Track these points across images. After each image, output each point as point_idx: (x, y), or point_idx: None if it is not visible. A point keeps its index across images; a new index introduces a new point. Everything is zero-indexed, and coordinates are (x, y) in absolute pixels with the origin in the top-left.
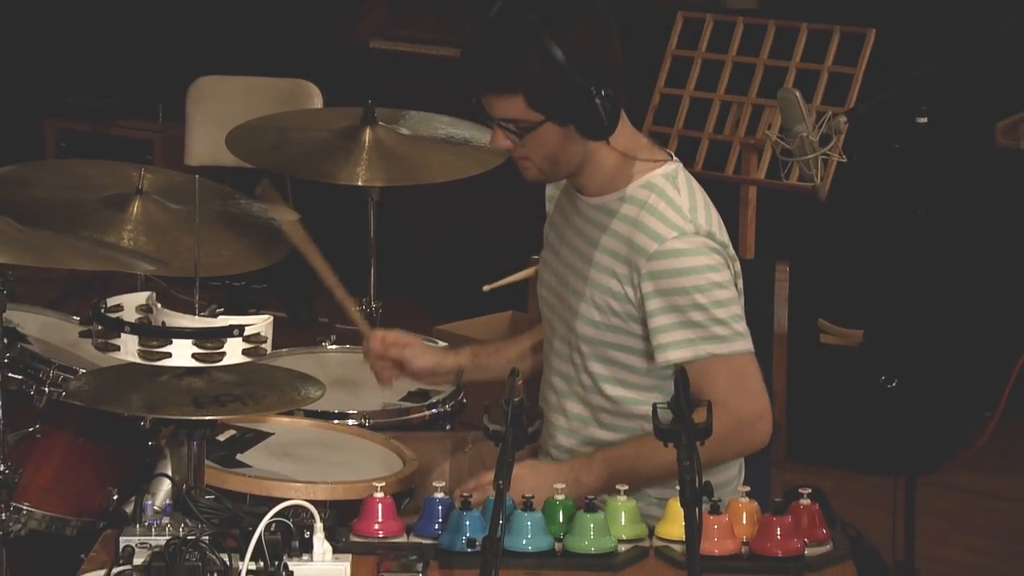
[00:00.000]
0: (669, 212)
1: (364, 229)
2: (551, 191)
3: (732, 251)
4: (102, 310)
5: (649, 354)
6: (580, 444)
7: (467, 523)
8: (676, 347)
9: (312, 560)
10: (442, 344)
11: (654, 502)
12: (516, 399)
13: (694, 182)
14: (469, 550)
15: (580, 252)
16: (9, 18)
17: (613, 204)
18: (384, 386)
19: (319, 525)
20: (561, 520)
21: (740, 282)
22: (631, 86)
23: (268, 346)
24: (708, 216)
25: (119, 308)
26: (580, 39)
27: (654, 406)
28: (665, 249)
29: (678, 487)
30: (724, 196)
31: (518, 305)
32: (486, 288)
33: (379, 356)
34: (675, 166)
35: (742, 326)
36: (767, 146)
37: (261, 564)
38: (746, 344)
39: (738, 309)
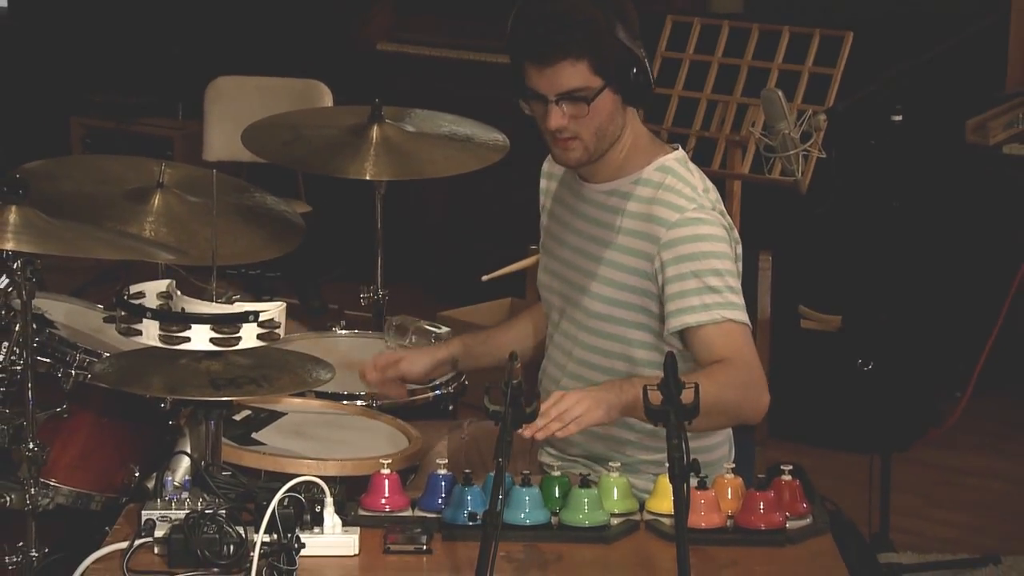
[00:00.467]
0: (686, 190)
1: (372, 220)
2: (544, 185)
3: (736, 234)
4: (125, 297)
5: (659, 333)
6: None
7: (468, 498)
8: (692, 312)
9: (323, 533)
10: (444, 329)
11: (644, 476)
12: (515, 381)
13: (700, 169)
14: (471, 523)
15: (592, 236)
16: (39, 23)
17: (626, 187)
18: (403, 400)
19: (329, 500)
20: (557, 495)
21: (740, 264)
22: None
23: (281, 331)
24: (718, 198)
25: (141, 295)
26: (629, 12)
27: (644, 388)
28: (686, 218)
29: (667, 464)
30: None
31: (517, 292)
32: (485, 278)
33: (382, 383)
34: (683, 153)
35: (738, 297)
36: (751, 142)
37: (275, 536)
38: (737, 313)
39: (737, 283)
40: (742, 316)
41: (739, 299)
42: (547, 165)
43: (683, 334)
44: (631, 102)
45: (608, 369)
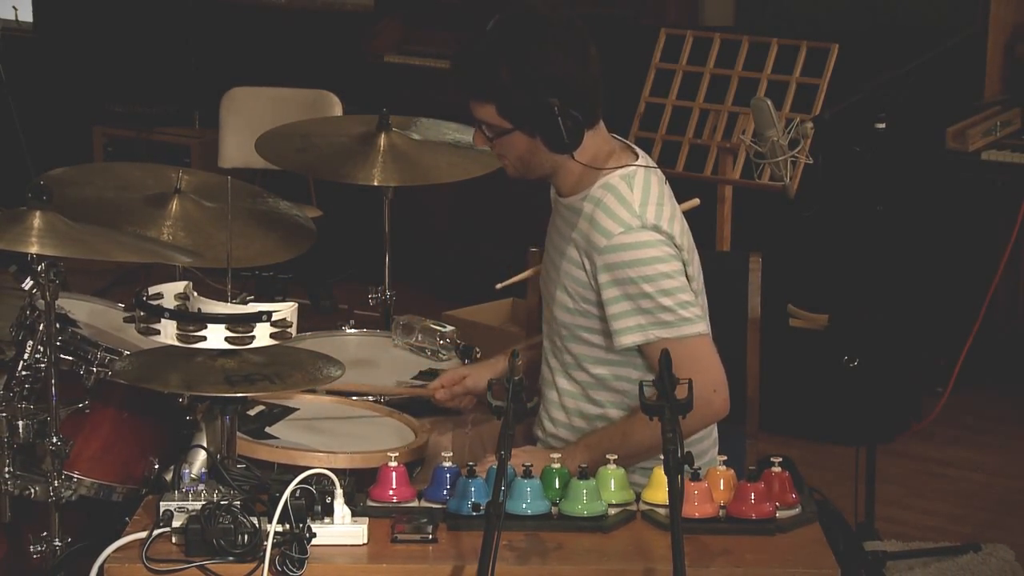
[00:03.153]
0: (619, 208)
1: (380, 224)
2: (553, 195)
3: (684, 243)
4: (144, 298)
5: (606, 342)
6: (571, 416)
7: (472, 489)
8: (629, 332)
9: (333, 523)
10: (450, 328)
11: (640, 471)
12: (516, 378)
13: (655, 187)
14: (474, 513)
15: (557, 247)
16: (62, 37)
17: (578, 204)
18: (471, 406)
19: (339, 491)
20: (557, 486)
21: (692, 270)
22: (620, 97)
23: (293, 330)
24: (659, 212)
25: (159, 296)
26: (551, 62)
27: (640, 384)
28: (613, 244)
29: (662, 457)
30: (702, 195)
31: (519, 293)
32: (499, 286)
33: (452, 398)
34: (635, 169)
35: (690, 311)
36: (741, 149)
37: (287, 526)
38: (694, 327)
39: (686, 296)
40: (680, 331)
41: (673, 315)
42: None
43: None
44: (551, 149)
45: (585, 370)
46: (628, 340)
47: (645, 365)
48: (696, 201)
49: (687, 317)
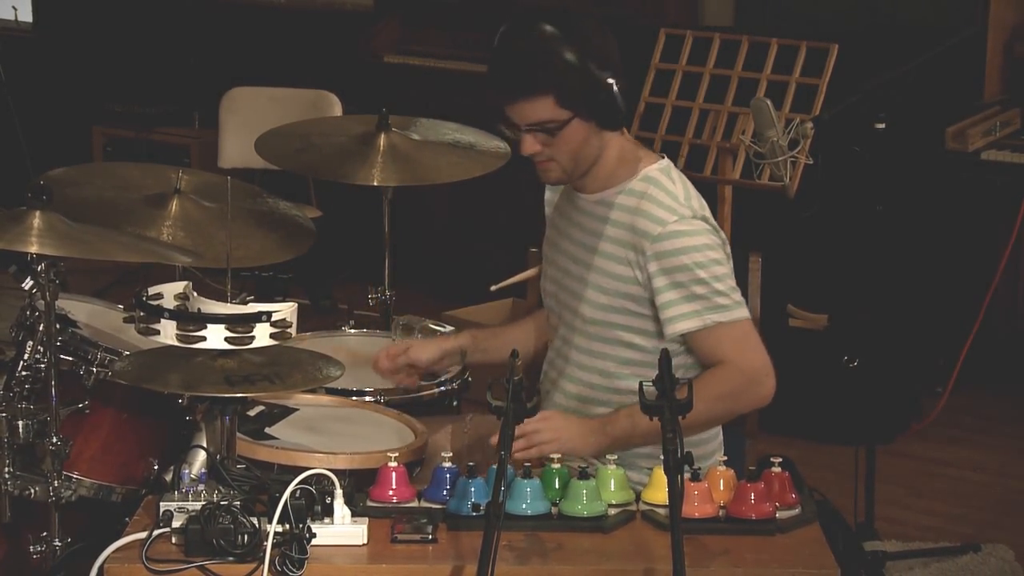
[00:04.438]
0: (667, 200)
1: (379, 225)
2: (549, 195)
3: (723, 234)
4: (144, 298)
5: (656, 333)
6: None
7: (472, 489)
8: (684, 319)
9: (333, 523)
10: (449, 328)
11: (640, 470)
12: (516, 378)
13: (684, 176)
14: (474, 514)
15: (583, 244)
16: (62, 37)
17: (612, 197)
18: (415, 388)
19: (339, 492)
20: (557, 486)
21: (730, 262)
22: None
23: (293, 330)
24: (701, 203)
25: (159, 296)
26: (592, 38)
27: (640, 384)
28: (668, 231)
29: (662, 456)
30: (703, 195)
31: (519, 293)
32: (493, 288)
33: (394, 371)
34: (667, 162)
35: (739, 296)
36: (741, 149)
37: (287, 526)
38: (745, 311)
39: (733, 282)
40: (733, 315)
41: (728, 299)
42: None
43: (684, 338)
44: (605, 126)
45: (600, 370)
46: (683, 327)
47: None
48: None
49: (738, 300)
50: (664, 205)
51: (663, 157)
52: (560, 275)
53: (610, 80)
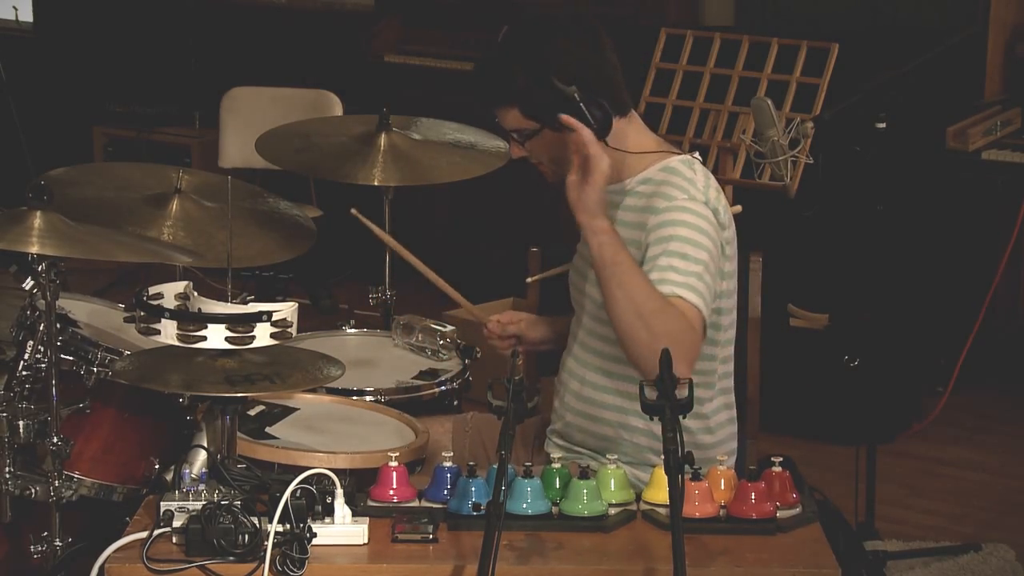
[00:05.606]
0: (685, 184)
1: (380, 224)
2: None
3: (731, 235)
4: (144, 298)
5: None
6: (590, 407)
7: (473, 489)
8: (661, 284)
9: (334, 523)
10: (450, 328)
11: (640, 470)
12: (516, 378)
13: (709, 172)
14: (475, 513)
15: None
16: (63, 37)
17: (630, 184)
18: (505, 353)
19: (340, 491)
20: (557, 486)
21: (731, 266)
22: None
23: (294, 330)
24: (719, 197)
25: (160, 296)
26: (563, 54)
27: (641, 383)
28: (673, 205)
29: (663, 456)
30: None
31: (518, 292)
32: (529, 280)
33: (500, 337)
34: (692, 157)
35: (705, 290)
36: (742, 149)
37: (288, 526)
38: (701, 304)
39: (709, 278)
40: (696, 299)
41: (701, 285)
42: None
43: None
44: None
45: (604, 353)
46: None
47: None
48: (739, 208)
49: (700, 292)
50: (679, 187)
51: (693, 153)
52: (581, 263)
53: (577, 93)
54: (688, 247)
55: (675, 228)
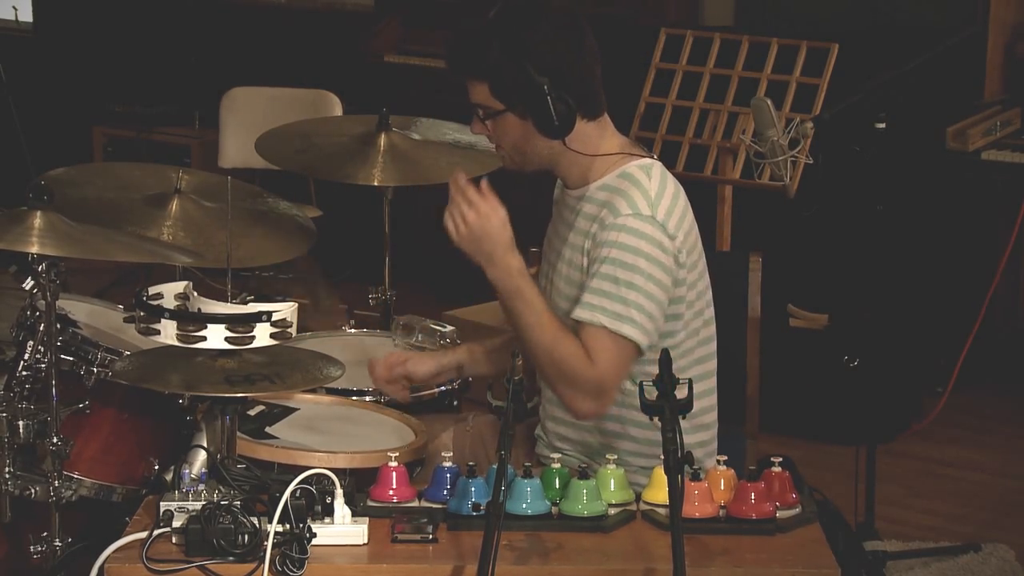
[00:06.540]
0: (636, 195)
1: (380, 224)
2: (555, 194)
3: (687, 245)
4: (144, 298)
5: None
6: (565, 412)
7: (472, 489)
8: (583, 307)
9: (333, 523)
10: (450, 328)
11: (640, 471)
12: (516, 378)
13: (671, 180)
14: (474, 513)
15: (560, 236)
16: (63, 38)
17: (591, 191)
18: (405, 402)
19: (339, 491)
20: (557, 486)
21: (694, 275)
22: (620, 97)
23: (293, 330)
24: (670, 209)
25: (159, 296)
26: (543, 43)
27: (640, 384)
28: (617, 222)
29: (662, 457)
30: (703, 195)
31: None
32: None
33: (389, 381)
34: (652, 161)
35: (641, 317)
36: (741, 149)
37: (287, 526)
38: (636, 334)
39: (650, 304)
40: (622, 329)
41: (627, 312)
42: None
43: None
44: (541, 131)
45: None
46: (576, 313)
47: (646, 361)
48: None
49: (637, 321)
50: (630, 199)
51: (651, 157)
52: (547, 268)
53: (548, 85)
54: (621, 271)
55: (612, 249)
